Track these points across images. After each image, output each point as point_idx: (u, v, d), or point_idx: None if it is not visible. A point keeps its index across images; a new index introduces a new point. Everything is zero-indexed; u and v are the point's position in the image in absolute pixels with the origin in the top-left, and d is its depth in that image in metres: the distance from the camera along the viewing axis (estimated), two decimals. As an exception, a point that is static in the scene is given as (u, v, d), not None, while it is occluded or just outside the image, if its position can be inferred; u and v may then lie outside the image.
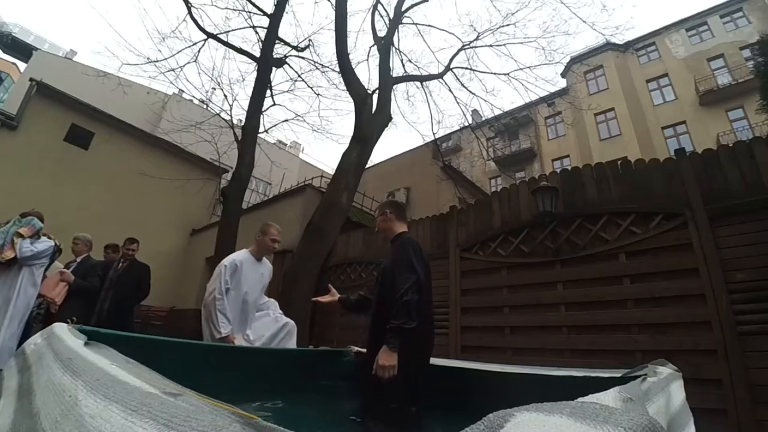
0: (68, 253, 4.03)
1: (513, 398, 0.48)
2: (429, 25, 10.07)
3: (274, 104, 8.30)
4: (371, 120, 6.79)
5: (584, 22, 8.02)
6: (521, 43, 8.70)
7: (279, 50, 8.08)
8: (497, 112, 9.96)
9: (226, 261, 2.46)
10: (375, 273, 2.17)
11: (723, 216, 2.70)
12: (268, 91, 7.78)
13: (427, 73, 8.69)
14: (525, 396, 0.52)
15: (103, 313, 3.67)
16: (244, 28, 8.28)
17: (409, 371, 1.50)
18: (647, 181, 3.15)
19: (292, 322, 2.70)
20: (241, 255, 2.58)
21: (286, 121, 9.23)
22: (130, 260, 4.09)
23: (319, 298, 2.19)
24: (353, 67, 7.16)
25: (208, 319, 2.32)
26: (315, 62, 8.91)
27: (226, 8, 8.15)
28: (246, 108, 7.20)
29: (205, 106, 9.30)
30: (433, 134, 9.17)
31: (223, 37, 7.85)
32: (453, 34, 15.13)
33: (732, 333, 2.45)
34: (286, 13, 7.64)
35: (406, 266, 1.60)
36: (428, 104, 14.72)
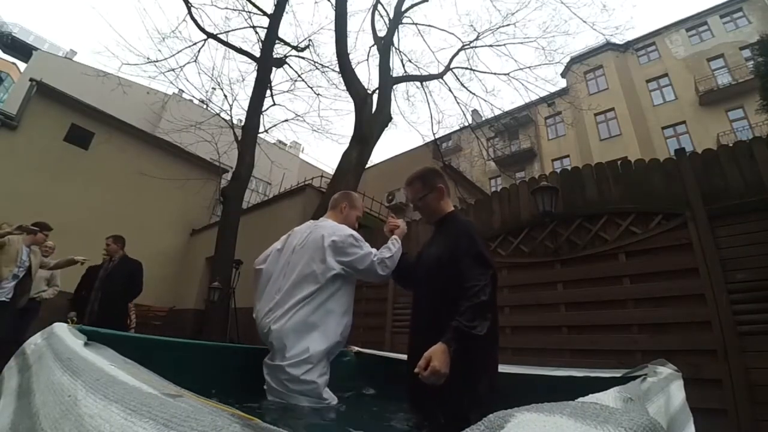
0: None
1: (513, 398, 0.48)
2: (429, 25, 10.10)
3: (274, 104, 8.32)
4: (371, 120, 6.79)
5: (584, 22, 8.03)
6: (521, 43, 8.71)
7: (279, 50, 8.10)
8: (497, 112, 9.96)
9: (351, 231, 1.73)
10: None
11: (723, 216, 2.70)
12: (268, 91, 7.79)
13: (427, 73, 8.70)
14: (525, 396, 0.52)
15: (93, 314, 3.56)
16: (244, 28, 8.30)
17: (479, 391, 1.24)
18: (647, 181, 3.15)
19: None
20: (348, 228, 1.81)
21: (286, 121, 9.25)
22: (121, 258, 3.96)
23: None
24: (353, 67, 7.16)
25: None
26: (315, 62, 8.92)
27: (226, 8, 8.17)
28: (246, 108, 7.20)
29: (205, 106, 9.31)
30: (433, 134, 9.18)
31: (223, 37, 7.87)
32: (453, 34, 15.17)
33: (732, 333, 2.45)
34: (286, 13, 7.65)
35: (476, 258, 1.32)
36: (428, 104, 14.75)
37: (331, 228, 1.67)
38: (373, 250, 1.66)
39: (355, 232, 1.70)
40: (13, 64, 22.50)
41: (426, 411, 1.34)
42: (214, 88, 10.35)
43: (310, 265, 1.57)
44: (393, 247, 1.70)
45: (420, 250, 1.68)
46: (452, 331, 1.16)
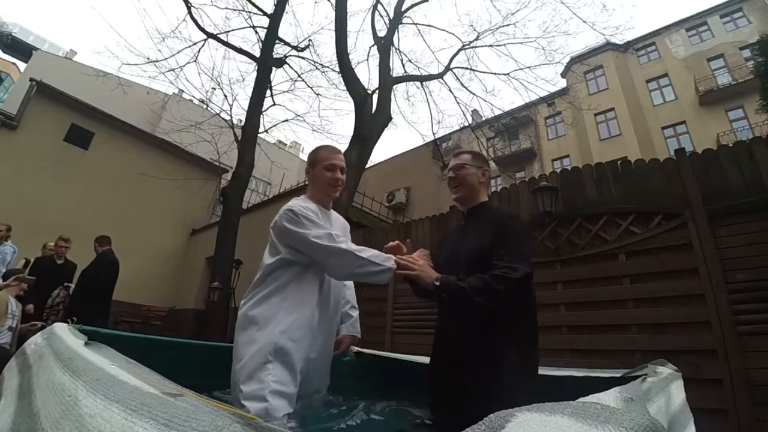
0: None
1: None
2: (429, 25, 10.08)
3: (274, 104, 8.32)
4: (371, 120, 6.78)
5: (584, 22, 8.02)
6: (521, 43, 8.70)
7: (279, 50, 8.10)
8: (497, 112, 9.95)
9: (296, 204, 1.34)
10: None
11: (723, 216, 2.70)
12: (268, 91, 7.79)
13: (427, 73, 8.69)
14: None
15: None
16: (244, 28, 8.29)
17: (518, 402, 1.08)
18: (647, 181, 3.15)
19: None
20: (300, 201, 1.40)
21: (286, 121, 9.25)
22: (98, 255, 4.19)
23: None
24: (353, 66, 7.16)
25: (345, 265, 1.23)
26: (315, 62, 8.91)
27: (226, 8, 8.17)
28: (246, 108, 7.20)
29: (205, 106, 9.31)
30: (433, 134, 9.17)
31: (223, 37, 7.87)
32: (453, 34, 15.15)
33: (732, 333, 2.46)
34: (286, 13, 7.65)
35: (521, 253, 1.20)
36: (428, 104, 14.71)
37: (284, 207, 1.35)
38: (325, 233, 1.23)
39: (297, 206, 1.31)
40: (13, 64, 22.50)
41: (450, 411, 1.19)
42: (214, 88, 10.35)
43: (265, 252, 1.36)
44: (373, 254, 1.21)
45: (447, 246, 1.44)
46: (459, 284, 1.10)
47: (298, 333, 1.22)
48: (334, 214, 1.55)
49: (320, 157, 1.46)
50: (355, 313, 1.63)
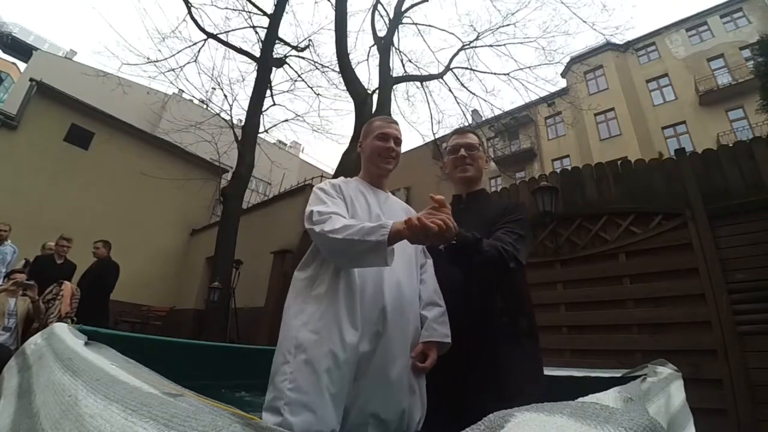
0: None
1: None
2: (429, 25, 10.06)
3: (274, 104, 8.31)
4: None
5: (584, 22, 8.02)
6: (521, 43, 8.70)
7: (279, 50, 8.10)
8: (497, 112, 9.94)
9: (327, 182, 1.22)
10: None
11: (723, 216, 2.70)
12: (268, 91, 7.79)
13: (427, 73, 8.69)
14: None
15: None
16: (244, 28, 8.28)
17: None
18: (647, 181, 3.15)
19: None
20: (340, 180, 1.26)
21: (286, 121, 9.24)
22: (99, 258, 4.23)
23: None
24: (353, 67, 7.16)
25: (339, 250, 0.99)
26: (315, 62, 8.91)
27: (226, 8, 8.16)
28: (246, 108, 7.20)
29: (205, 106, 9.30)
30: (433, 134, 9.16)
31: (223, 37, 7.87)
32: (453, 34, 15.12)
33: (732, 333, 2.46)
34: (286, 13, 7.64)
35: (525, 240, 1.14)
36: (428, 104, 14.67)
37: None
38: (321, 209, 1.04)
39: (326, 185, 1.18)
40: (13, 64, 22.49)
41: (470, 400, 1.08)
42: (214, 88, 10.34)
43: None
44: (355, 230, 0.94)
45: None
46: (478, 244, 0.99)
47: (320, 323, 0.96)
48: (385, 195, 1.29)
49: (373, 126, 1.31)
50: (432, 312, 1.12)
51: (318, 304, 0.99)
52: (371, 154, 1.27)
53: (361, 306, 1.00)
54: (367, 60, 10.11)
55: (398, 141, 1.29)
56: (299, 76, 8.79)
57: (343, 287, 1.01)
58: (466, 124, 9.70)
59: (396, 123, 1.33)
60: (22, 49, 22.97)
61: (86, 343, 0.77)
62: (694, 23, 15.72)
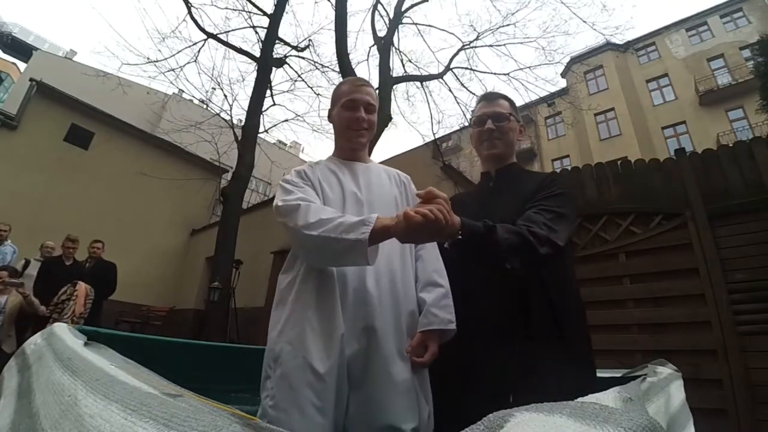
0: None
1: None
2: (429, 25, 10.05)
3: (274, 104, 8.32)
4: (371, 120, 6.78)
5: (584, 22, 8.03)
6: (521, 43, 8.71)
7: (279, 50, 8.10)
8: (497, 112, 9.92)
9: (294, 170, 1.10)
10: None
11: (723, 216, 2.70)
12: (268, 91, 7.79)
13: (427, 73, 8.69)
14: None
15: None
16: (244, 28, 8.29)
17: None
18: (647, 181, 3.15)
19: None
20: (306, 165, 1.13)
21: (286, 121, 9.26)
22: (96, 259, 4.27)
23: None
24: (353, 67, 7.16)
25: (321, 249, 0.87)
26: (315, 62, 8.92)
27: (226, 8, 8.17)
28: (246, 108, 7.21)
29: (205, 106, 9.31)
30: (433, 134, 9.15)
31: (223, 37, 7.87)
32: (453, 34, 15.12)
33: (732, 333, 2.45)
34: (286, 13, 7.65)
35: (568, 221, 0.96)
36: (428, 104, 14.68)
37: None
38: (301, 196, 0.94)
39: (290, 174, 1.04)
40: (13, 64, 22.50)
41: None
42: (214, 88, 10.35)
43: None
44: (332, 226, 0.84)
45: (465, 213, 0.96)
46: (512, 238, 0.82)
47: (293, 332, 0.86)
48: (365, 166, 1.10)
49: (340, 92, 1.10)
50: (432, 294, 0.96)
51: (291, 311, 0.90)
52: (340, 126, 1.09)
53: (343, 301, 0.89)
54: (367, 60, 10.11)
55: (370, 107, 1.08)
56: (299, 76, 8.80)
57: (317, 286, 0.90)
58: (466, 124, 9.71)
59: (368, 85, 1.11)
60: (22, 49, 22.99)
61: (86, 343, 0.77)
62: (694, 23, 15.74)
